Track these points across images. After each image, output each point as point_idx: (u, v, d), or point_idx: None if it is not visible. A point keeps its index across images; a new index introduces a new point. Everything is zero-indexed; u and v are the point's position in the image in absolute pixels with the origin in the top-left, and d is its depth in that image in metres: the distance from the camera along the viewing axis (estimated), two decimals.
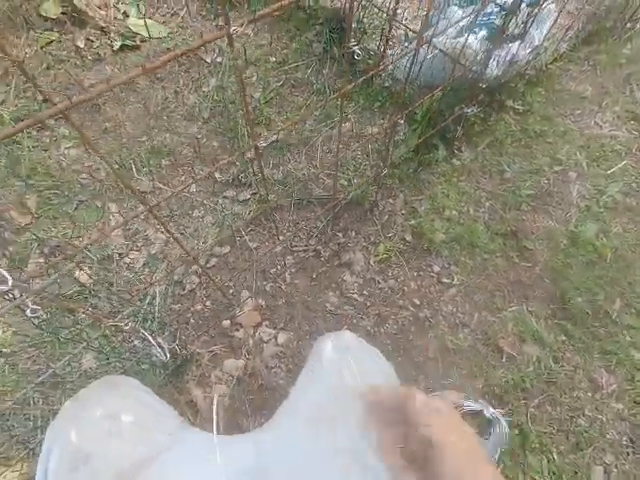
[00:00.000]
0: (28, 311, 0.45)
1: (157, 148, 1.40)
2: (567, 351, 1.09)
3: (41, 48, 1.48)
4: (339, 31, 1.52)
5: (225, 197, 1.36)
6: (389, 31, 1.32)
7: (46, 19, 1.56)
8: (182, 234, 1.30)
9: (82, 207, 1.28)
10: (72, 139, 1.39)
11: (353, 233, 1.29)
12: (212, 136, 1.45)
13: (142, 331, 0.81)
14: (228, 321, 1.17)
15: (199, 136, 1.46)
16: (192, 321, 1.16)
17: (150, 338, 0.82)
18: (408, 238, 1.27)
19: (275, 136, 1.38)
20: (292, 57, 1.56)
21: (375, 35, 1.48)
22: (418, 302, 1.17)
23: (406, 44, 1.27)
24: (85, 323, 1.00)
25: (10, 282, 0.38)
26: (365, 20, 1.47)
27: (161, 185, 1.34)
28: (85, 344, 0.76)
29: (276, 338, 1.15)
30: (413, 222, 1.27)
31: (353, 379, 0.72)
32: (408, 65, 0.84)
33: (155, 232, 1.28)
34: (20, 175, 1.24)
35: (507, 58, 1.20)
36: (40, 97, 1.39)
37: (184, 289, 1.20)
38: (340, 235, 1.29)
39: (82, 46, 1.54)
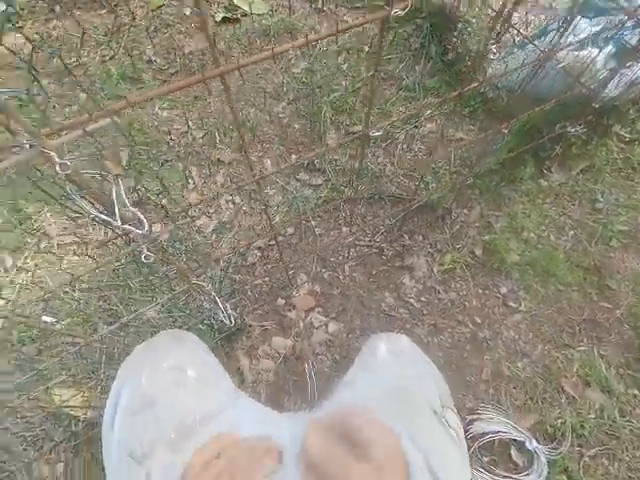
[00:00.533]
0: (143, 257, 0.48)
1: (240, 121, 1.44)
2: (638, 407, 1.00)
3: (152, 11, 1.56)
4: (440, 27, 1.46)
5: (297, 179, 1.37)
6: (499, 35, 1.25)
7: None
8: (252, 208, 1.33)
9: (166, 166, 1.35)
10: (166, 101, 1.46)
11: (420, 237, 1.26)
12: (294, 118, 1.47)
13: (213, 294, 0.84)
14: (283, 300, 1.19)
15: (282, 115, 1.48)
16: (249, 293, 1.20)
17: (220, 302, 0.85)
18: (478, 253, 1.21)
19: (359, 127, 1.37)
20: (386, 49, 1.53)
21: (479, 37, 1.40)
22: (479, 321, 1.12)
23: (515, 50, 1.19)
24: (173, 276, 1.06)
25: (146, 227, 0.40)
26: (471, 19, 1.41)
27: (239, 157, 1.38)
28: (169, 295, 0.80)
29: (327, 326, 1.15)
30: (486, 237, 1.21)
31: (410, 384, 0.70)
32: (520, 76, 0.79)
33: (227, 202, 1.32)
34: (120, 128, 1.33)
35: (629, 79, 1.09)
36: (145, 57, 1.48)
37: (246, 261, 1.24)
38: (406, 237, 1.26)
39: (188, 14, 1.61)
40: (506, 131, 0.87)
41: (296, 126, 1.46)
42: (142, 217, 0.40)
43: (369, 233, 1.28)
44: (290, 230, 1.29)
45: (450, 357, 1.08)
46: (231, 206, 1.33)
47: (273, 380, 1.08)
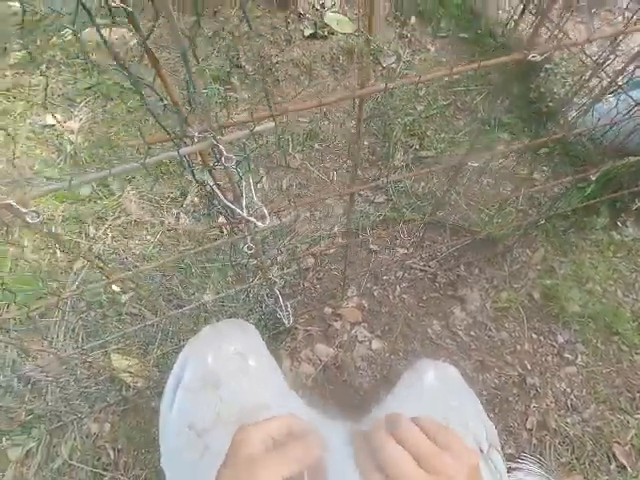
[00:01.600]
0: (246, 247, 0.52)
1: (314, 132, 1.50)
2: None
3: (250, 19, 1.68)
4: (524, 66, 1.46)
5: (360, 194, 1.40)
6: (587, 80, 1.23)
7: None
8: (312, 215, 1.37)
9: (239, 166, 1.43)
10: (248, 103, 1.55)
11: (477, 270, 1.24)
12: (365, 135, 1.51)
13: (278, 291, 0.88)
14: (330, 309, 1.21)
15: (353, 131, 1.52)
16: (299, 297, 1.23)
17: (282, 301, 0.89)
18: (536, 296, 1.18)
19: (428, 152, 1.38)
20: (466, 80, 1.55)
21: (565, 80, 1.39)
22: (529, 366, 1.08)
23: (610, 97, 1.17)
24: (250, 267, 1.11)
25: (267, 221, 0.44)
26: (560, 61, 1.39)
27: (309, 165, 1.44)
28: (245, 286, 0.84)
29: (370, 342, 1.16)
30: (547, 282, 1.18)
31: (457, 417, 0.69)
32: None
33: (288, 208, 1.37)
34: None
35: None
36: (236, 62, 1.58)
37: (301, 265, 1.28)
38: (462, 268, 1.25)
39: (278, 26, 1.71)
40: (593, 178, 0.85)
41: (365, 143, 1.50)
42: (266, 212, 0.44)
43: (424, 258, 1.28)
44: (340, 242, 1.32)
45: (494, 398, 1.05)
46: (292, 211, 1.38)
47: (311, 386, 1.10)
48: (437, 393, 0.74)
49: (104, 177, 0.34)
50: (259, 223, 0.44)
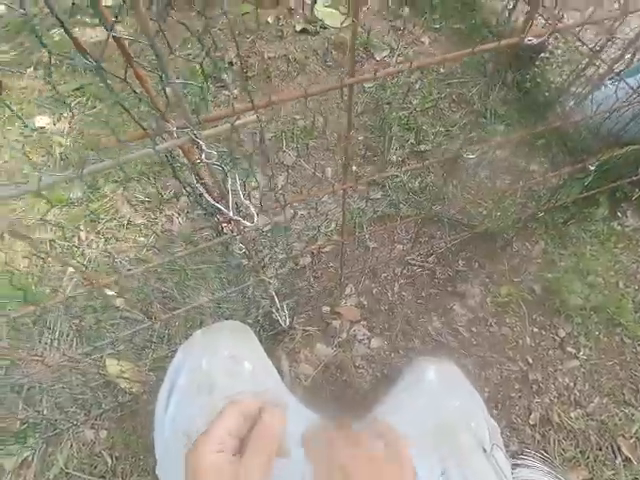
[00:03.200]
0: (236, 247, 0.50)
1: (308, 129, 1.48)
2: None
3: (240, 16, 1.65)
4: (521, 55, 1.44)
5: (355, 190, 1.38)
6: (584, 69, 1.21)
7: None
8: (308, 213, 1.35)
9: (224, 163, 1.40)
10: (243, 102, 1.53)
11: (476, 265, 1.22)
12: (360, 130, 1.48)
13: (273, 292, 0.86)
14: (328, 308, 1.20)
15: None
16: (296, 297, 1.21)
17: (277, 301, 0.87)
18: (537, 290, 1.16)
19: (425, 146, 1.36)
20: (461, 72, 1.52)
21: (562, 69, 1.36)
22: (531, 361, 1.06)
23: (609, 83, 1.15)
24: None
25: (255, 220, 0.42)
26: (556, 50, 1.37)
27: (303, 162, 1.42)
28: (237, 288, 0.82)
29: (369, 341, 1.14)
30: (548, 275, 1.16)
31: (459, 417, 0.68)
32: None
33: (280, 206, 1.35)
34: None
35: None
36: (227, 59, 1.56)
37: (297, 264, 1.26)
38: (461, 263, 1.23)
39: (270, 22, 1.68)
40: (592, 168, 0.83)
41: (360, 138, 1.48)
42: (254, 211, 0.42)
43: (423, 254, 1.26)
44: (336, 239, 1.30)
45: (497, 394, 1.03)
46: (286, 209, 1.36)
47: (310, 386, 1.08)
48: (438, 392, 0.72)
49: (73, 177, 0.32)
50: (247, 222, 0.42)
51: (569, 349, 1.07)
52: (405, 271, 1.23)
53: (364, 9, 1.73)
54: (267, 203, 0.60)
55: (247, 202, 0.41)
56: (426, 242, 1.28)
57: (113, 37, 0.27)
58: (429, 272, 1.23)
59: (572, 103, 1.25)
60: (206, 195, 0.40)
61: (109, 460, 0.97)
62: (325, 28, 1.67)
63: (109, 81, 0.30)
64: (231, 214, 0.41)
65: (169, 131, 0.33)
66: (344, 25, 1.70)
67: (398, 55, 1.57)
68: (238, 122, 0.35)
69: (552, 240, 1.22)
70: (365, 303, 1.20)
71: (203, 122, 0.34)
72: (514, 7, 1.37)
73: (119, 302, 1.15)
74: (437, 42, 1.63)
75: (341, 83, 0.41)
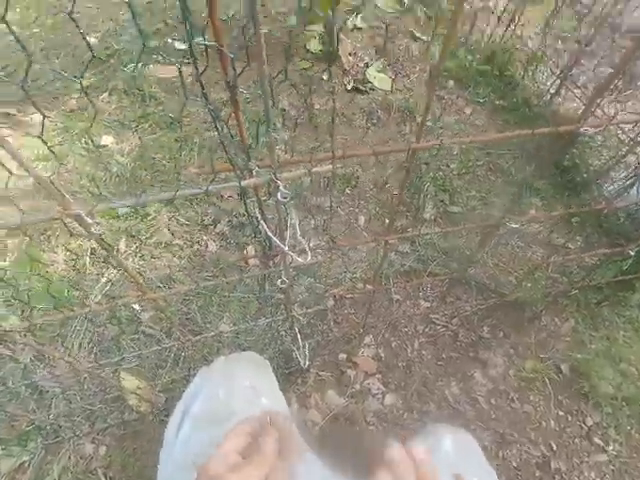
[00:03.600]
0: (279, 281, 0.53)
1: (347, 176, 1.55)
2: None
3: (298, 70, 1.81)
4: (559, 135, 1.49)
5: (385, 242, 1.41)
6: (624, 156, 1.24)
7: (308, 52, 1.91)
8: (338, 257, 1.38)
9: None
10: (287, 144, 1.63)
11: (501, 334, 1.19)
12: (396, 184, 1.54)
13: (297, 329, 0.86)
14: (345, 355, 1.18)
15: (383, 178, 1.56)
16: (316, 338, 1.20)
17: (300, 339, 0.87)
18: (564, 370, 1.11)
19: (457, 209, 1.40)
20: (500, 143, 1.59)
21: (601, 153, 1.40)
22: (555, 447, 0.99)
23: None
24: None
25: (308, 257, 0.44)
26: (595, 136, 1.42)
27: (340, 209, 1.47)
28: (268, 320, 0.84)
29: (383, 396, 1.10)
30: (578, 356, 1.11)
31: None
32: None
33: (323, 248, 1.39)
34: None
35: None
36: (281, 106, 1.69)
37: (322, 305, 1.26)
38: (486, 329, 1.21)
39: (325, 78, 1.83)
40: (632, 253, 0.83)
41: (396, 192, 1.53)
42: (307, 248, 0.45)
43: (447, 313, 1.24)
44: (368, 287, 1.30)
45: (515, 478, 0.96)
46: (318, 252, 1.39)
47: (317, 435, 1.04)
48: (455, 465, 0.69)
49: (170, 199, 0.36)
50: (299, 258, 0.45)
51: (597, 440, 1.00)
52: (427, 329, 1.21)
53: (412, 77, 1.87)
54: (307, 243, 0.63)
55: (303, 240, 0.44)
56: (452, 303, 1.26)
57: (229, 86, 0.32)
58: (452, 334, 1.21)
59: (611, 188, 1.27)
60: (266, 229, 0.44)
61: (103, 479, 0.94)
62: (374, 90, 1.80)
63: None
64: (286, 249, 0.44)
65: (252, 169, 0.38)
66: (393, 90, 1.83)
67: (440, 121, 1.66)
68: (315, 169, 0.39)
69: (583, 320, 1.18)
70: (383, 356, 1.17)
71: (282, 166, 0.38)
72: (557, 92, 1.45)
73: (145, 317, 1.17)
74: (477, 113, 1.72)
75: (409, 147, 0.45)
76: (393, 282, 1.31)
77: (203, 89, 0.37)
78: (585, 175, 1.38)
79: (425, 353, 1.18)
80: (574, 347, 1.14)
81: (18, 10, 2.38)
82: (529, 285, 1.19)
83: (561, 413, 1.05)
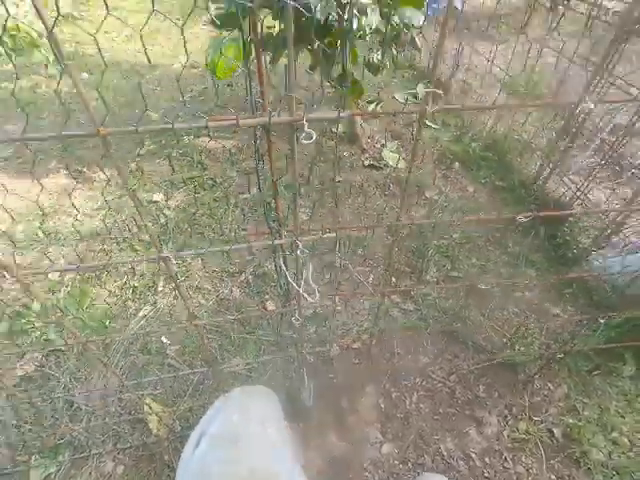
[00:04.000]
0: (293, 318, 0.69)
1: (360, 239, 1.74)
2: None
3: (324, 147, 2.13)
4: (552, 217, 1.66)
5: (390, 299, 1.55)
6: (609, 236, 1.39)
7: (333, 133, 2.24)
8: (346, 309, 1.52)
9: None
10: (309, 209, 1.87)
11: (496, 394, 1.26)
12: (403, 249, 1.72)
13: (304, 370, 1.00)
14: (347, 402, 1.26)
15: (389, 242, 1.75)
16: (320, 380, 1.30)
17: (307, 380, 1.00)
18: (557, 434, 1.16)
19: (458, 274, 1.54)
20: (499, 220, 1.77)
21: (588, 232, 1.56)
22: None
23: (627, 256, 1.30)
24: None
25: (317, 297, 0.61)
26: (583, 217, 1.58)
27: (350, 266, 1.64)
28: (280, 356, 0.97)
29: (381, 445, 1.17)
30: (570, 421, 1.16)
31: None
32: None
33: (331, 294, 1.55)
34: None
35: None
36: (302, 180, 1.97)
37: (328, 349, 1.38)
38: (482, 388, 1.28)
39: (345, 155, 2.13)
40: (602, 321, 0.95)
41: (402, 256, 1.70)
42: (317, 291, 0.62)
43: (445, 369, 1.33)
44: (372, 340, 1.42)
45: None
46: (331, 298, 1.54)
47: (314, 475, 1.10)
48: None
49: (226, 250, 0.55)
50: (309, 298, 0.62)
51: None
52: (426, 383, 1.30)
53: (422, 157, 2.15)
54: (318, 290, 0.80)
55: (313, 284, 0.62)
56: (449, 360, 1.36)
57: (273, 180, 0.53)
58: (449, 390, 1.28)
59: (597, 264, 1.40)
60: (287, 275, 0.62)
61: None
62: (388, 166, 2.08)
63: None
64: (300, 290, 0.62)
65: (281, 232, 0.57)
66: (404, 168, 2.10)
67: (445, 196, 1.88)
68: (324, 235, 0.58)
69: (575, 386, 1.24)
70: (383, 406, 1.26)
71: (302, 232, 0.58)
72: (548, 177, 1.66)
73: (171, 350, 1.33)
74: (479, 192, 1.93)
75: (395, 223, 0.64)
76: (396, 336, 1.42)
77: (257, 163, 0.58)
78: (575, 252, 1.52)
79: (423, 407, 1.25)
80: (566, 412, 1.20)
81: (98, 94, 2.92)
82: (522, 348, 1.29)
83: (553, 477, 1.08)
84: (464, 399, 1.26)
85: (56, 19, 0.35)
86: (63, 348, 1.32)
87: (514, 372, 1.29)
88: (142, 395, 1.20)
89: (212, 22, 1.51)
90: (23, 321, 1.38)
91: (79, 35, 3.69)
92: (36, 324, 1.37)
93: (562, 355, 1.15)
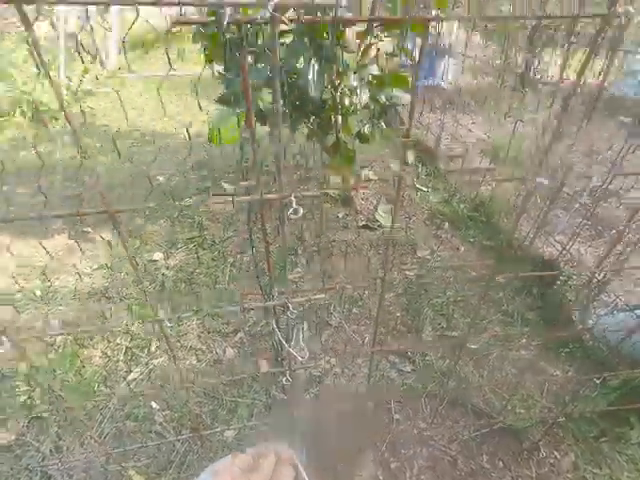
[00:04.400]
0: (284, 379, 0.70)
1: (354, 297, 1.76)
2: None
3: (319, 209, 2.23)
4: (542, 276, 1.71)
5: (388, 360, 1.52)
6: (595, 296, 1.42)
7: (328, 195, 2.37)
8: (342, 371, 1.49)
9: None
10: (305, 267, 1.91)
11: (501, 464, 1.19)
12: (397, 307, 1.73)
13: (297, 437, 0.96)
14: (344, 472, 1.19)
15: (387, 303, 1.76)
16: (317, 450, 1.23)
17: (298, 446, 0.95)
18: None
19: (454, 333, 1.54)
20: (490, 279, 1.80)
21: (578, 291, 1.58)
22: None
23: (612, 316, 1.32)
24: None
25: (306, 356, 0.63)
26: (572, 275, 1.63)
27: (345, 324, 1.64)
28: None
29: None
30: None
31: None
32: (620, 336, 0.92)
33: (323, 354, 1.52)
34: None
35: None
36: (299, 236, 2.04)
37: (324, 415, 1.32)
38: (485, 458, 1.21)
39: (340, 216, 2.23)
40: (598, 381, 0.94)
41: (397, 314, 1.71)
42: (307, 351, 0.63)
43: (446, 436, 1.27)
44: (369, 404, 1.37)
45: None
46: (326, 364, 1.51)
47: None
48: None
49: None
50: (298, 356, 0.63)
51: None
52: (426, 452, 1.23)
53: (414, 218, 2.24)
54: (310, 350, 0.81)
55: (302, 344, 0.64)
56: (450, 427, 1.30)
57: (266, 242, 0.57)
58: (451, 459, 1.21)
59: (590, 322, 1.41)
60: (279, 335, 0.64)
61: None
62: (380, 227, 2.16)
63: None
64: (290, 349, 0.63)
65: (274, 295, 0.60)
66: (397, 228, 2.18)
67: (436, 255, 1.93)
68: (313, 297, 0.61)
69: (583, 454, 1.18)
70: (381, 478, 1.18)
71: (293, 293, 0.61)
72: (533, 240, 1.73)
73: (159, 417, 1.27)
74: (469, 251, 1.99)
75: (379, 277, 0.67)
76: (393, 400, 1.38)
77: (251, 237, 0.63)
78: (566, 310, 1.54)
79: (424, 479, 1.17)
80: None
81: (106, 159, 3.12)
82: (522, 412, 1.25)
83: None
84: (467, 470, 1.19)
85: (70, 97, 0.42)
86: (46, 415, 1.27)
87: (517, 439, 1.23)
88: (125, 467, 1.13)
89: (219, 99, 1.69)
90: (8, 385, 1.34)
91: (96, 108, 4.04)
92: (22, 388, 1.32)
93: (564, 419, 1.11)
